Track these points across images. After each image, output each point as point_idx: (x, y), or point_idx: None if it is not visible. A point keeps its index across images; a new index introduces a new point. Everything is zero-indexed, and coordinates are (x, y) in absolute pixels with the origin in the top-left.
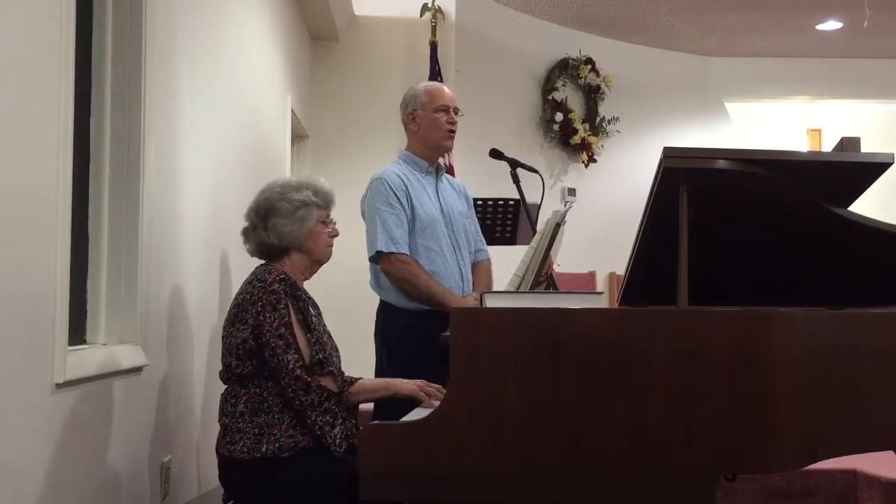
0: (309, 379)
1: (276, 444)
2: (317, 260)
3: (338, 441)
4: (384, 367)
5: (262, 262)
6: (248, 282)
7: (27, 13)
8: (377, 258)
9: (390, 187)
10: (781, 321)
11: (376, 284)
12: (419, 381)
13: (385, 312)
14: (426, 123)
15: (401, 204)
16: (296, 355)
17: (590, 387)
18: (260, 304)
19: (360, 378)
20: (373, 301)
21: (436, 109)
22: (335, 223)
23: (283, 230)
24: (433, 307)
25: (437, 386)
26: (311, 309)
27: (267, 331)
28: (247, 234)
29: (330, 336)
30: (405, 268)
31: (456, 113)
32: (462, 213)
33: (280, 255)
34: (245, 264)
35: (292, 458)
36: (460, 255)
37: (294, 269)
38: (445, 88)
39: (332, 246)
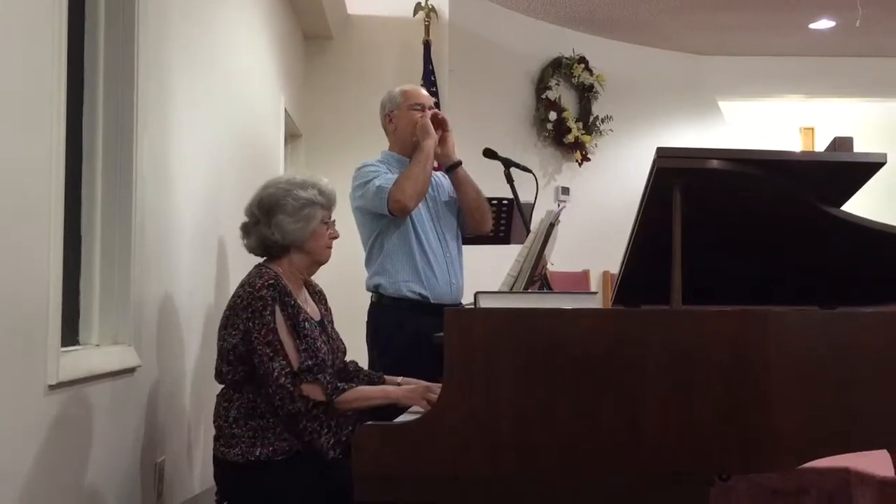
0: (293, 388)
1: (271, 448)
2: (316, 261)
3: (325, 449)
4: (376, 367)
5: (260, 260)
6: (242, 285)
7: (19, 12)
8: (388, 199)
9: (372, 166)
10: (775, 321)
11: (372, 273)
12: (420, 387)
13: (375, 311)
14: (402, 122)
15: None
16: (282, 362)
17: (584, 388)
18: (250, 310)
19: (355, 386)
20: (362, 298)
21: (410, 107)
22: (335, 224)
23: (287, 228)
24: (429, 170)
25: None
26: (302, 313)
27: (255, 338)
28: (247, 229)
29: (332, 337)
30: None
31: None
32: (446, 203)
33: (280, 253)
34: (239, 264)
35: (286, 462)
36: (447, 248)
37: (293, 269)
38: (421, 89)
39: (331, 248)
